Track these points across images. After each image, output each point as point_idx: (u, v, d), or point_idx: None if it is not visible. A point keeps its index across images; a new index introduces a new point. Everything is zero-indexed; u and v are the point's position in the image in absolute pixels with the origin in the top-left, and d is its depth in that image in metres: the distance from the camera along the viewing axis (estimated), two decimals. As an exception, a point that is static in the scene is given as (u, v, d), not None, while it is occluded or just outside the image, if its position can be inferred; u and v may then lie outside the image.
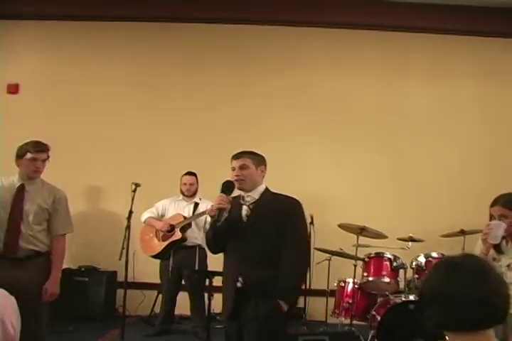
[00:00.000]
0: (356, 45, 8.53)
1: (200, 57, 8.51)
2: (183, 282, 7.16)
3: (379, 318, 6.15)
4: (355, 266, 6.73)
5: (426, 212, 8.06)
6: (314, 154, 8.34)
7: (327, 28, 8.47)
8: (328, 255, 7.11)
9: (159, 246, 7.02)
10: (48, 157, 4.79)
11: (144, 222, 7.17)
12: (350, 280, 6.79)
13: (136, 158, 8.26)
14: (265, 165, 4.32)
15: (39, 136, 4.95)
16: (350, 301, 6.66)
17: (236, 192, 4.29)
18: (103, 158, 8.27)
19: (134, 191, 6.77)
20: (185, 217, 7.02)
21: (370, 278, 6.67)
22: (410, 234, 6.77)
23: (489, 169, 8.21)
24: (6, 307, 2.49)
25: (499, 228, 3.88)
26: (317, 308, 7.69)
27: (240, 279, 4.04)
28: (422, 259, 6.50)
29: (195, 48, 8.52)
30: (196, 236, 6.98)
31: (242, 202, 4.23)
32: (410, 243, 6.79)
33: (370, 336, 6.21)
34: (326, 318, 7.30)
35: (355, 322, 6.62)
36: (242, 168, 4.18)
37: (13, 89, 8.53)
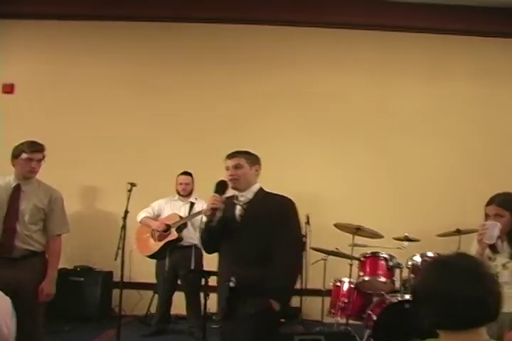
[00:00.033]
0: (355, 45, 8.54)
1: (199, 56, 8.51)
2: (179, 282, 7.17)
3: (375, 318, 6.15)
4: (351, 265, 6.75)
5: (421, 211, 8.07)
6: (311, 154, 8.34)
7: (326, 28, 8.47)
8: (324, 254, 7.11)
9: (155, 246, 7.02)
10: (44, 157, 4.78)
11: (140, 222, 7.17)
12: (346, 279, 6.80)
13: (131, 157, 8.25)
14: (259, 165, 4.32)
15: (34, 136, 4.95)
16: (346, 301, 6.66)
17: (231, 192, 4.29)
18: (99, 158, 8.26)
19: (130, 191, 6.78)
20: (181, 217, 7.02)
21: (366, 278, 6.67)
22: (406, 234, 6.77)
23: (485, 169, 8.23)
24: (1, 308, 2.48)
25: (494, 228, 3.89)
26: (313, 308, 7.70)
27: (232, 279, 4.03)
28: (417, 259, 6.49)
29: (194, 48, 8.52)
30: (192, 236, 6.98)
31: (236, 201, 4.23)
32: (406, 242, 6.79)
33: (365, 335, 6.21)
34: (322, 318, 7.32)
35: (351, 321, 6.61)
36: (236, 167, 4.18)
37: (8, 88, 8.52)
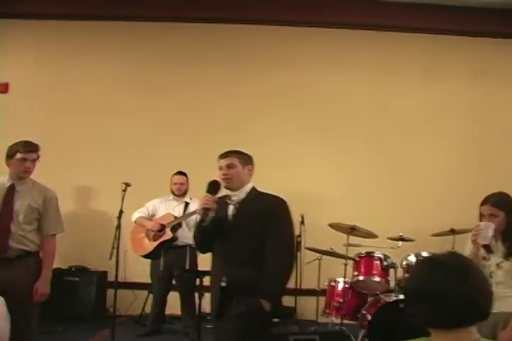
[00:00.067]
0: (355, 45, 8.55)
1: (199, 56, 8.52)
2: (173, 282, 7.16)
3: (369, 317, 6.15)
4: (345, 265, 6.76)
5: (416, 211, 8.08)
6: (308, 154, 8.35)
7: (326, 28, 8.49)
8: (318, 254, 7.11)
9: (150, 245, 7.01)
10: (38, 157, 4.77)
11: (135, 222, 7.16)
12: (341, 279, 6.80)
13: (126, 157, 8.25)
14: (252, 165, 4.31)
15: (30, 136, 4.93)
16: (340, 300, 6.67)
17: (225, 192, 4.29)
18: (93, 158, 8.25)
19: (125, 191, 6.78)
20: (175, 217, 7.02)
21: (361, 278, 6.68)
22: (400, 234, 6.78)
23: (480, 169, 8.24)
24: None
25: (489, 229, 3.90)
26: (308, 308, 7.69)
27: (223, 278, 4.05)
28: (412, 259, 6.48)
29: (194, 48, 8.53)
30: (187, 235, 6.97)
31: (228, 201, 4.23)
32: (400, 242, 6.80)
33: (360, 335, 6.21)
34: (317, 317, 7.31)
35: (345, 321, 6.62)
36: (229, 167, 4.17)
37: (3, 88, 8.50)
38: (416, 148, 8.40)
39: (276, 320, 7.35)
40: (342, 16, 8.37)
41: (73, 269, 7.91)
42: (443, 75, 8.56)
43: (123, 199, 6.72)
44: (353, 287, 6.72)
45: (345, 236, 6.89)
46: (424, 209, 8.09)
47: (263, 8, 8.38)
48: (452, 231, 6.76)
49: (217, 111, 8.41)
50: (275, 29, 8.50)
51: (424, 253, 6.48)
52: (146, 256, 7.10)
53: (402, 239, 6.79)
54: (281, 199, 4.24)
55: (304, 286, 7.46)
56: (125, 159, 8.23)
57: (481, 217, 4.05)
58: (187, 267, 6.88)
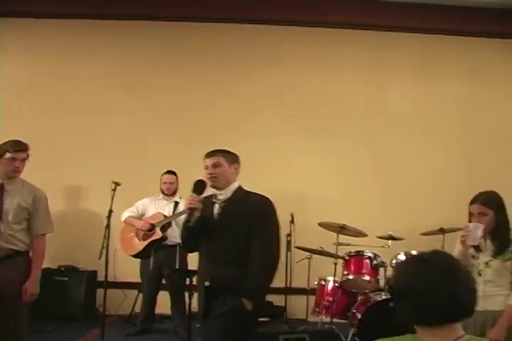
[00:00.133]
0: (352, 45, 8.58)
1: (187, 56, 8.53)
2: (163, 281, 7.16)
3: (359, 316, 6.18)
4: (335, 264, 6.76)
5: (406, 210, 8.10)
6: (297, 153, 8.37)
7: (317, 28, 8.51)
8: (308, 253, 7.12)
9: (139, 245, 7.00)
10: (28, 156, 4.75)
11: (124, 221, 7.15)
12: (331, 278, 6.81)
13: (116, 157, 8.24)
14: (238, 163, 4.31)
15: (18, 136, 4.92)
16: (330, 299, 6.68)
17: (211, 191, 4.29)
18: (83, 157, 8.23)
19: (114, 190, 6.77)
20: (165, 216, 7.02)
21: (351, 277, 6.70)
22: (390, 233, 6.81)
23: (470, 168, 8.28)
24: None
25: (477, 229, 3.91)
26: (298, 307, 7.71)
27: (207, 278, 4.06)
28: (401, 257, 6.50)
29: (183, 48, 8.54)
30: (176, 235, 6.94)
31: (214, 200, 4.22)
32: (390, 241, 6.83)
33: (350, 334, 6.23)
34: (307, 316, 7.33)
35: (335, 320, 6.63)
36: (215, 165, 4.17)
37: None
38: (406, 147, 8.43)
39: (266, 319, 7.42)
40: (340, 16, 8.40)
41: (63, 269, 7.90)
42: (439, 75, 8.60)
43: (113, 198, 6.71)
44: (342, 286, 6.73)
45: (335, 235, 6.90)
46: (413, 208, 8.12)
47: (262, 8, 8.40)
48: (441, 231, 6.80)
49: (207, 111, 8.41)
50: (265, 28, 8.51)
51: (414, 252, 6.49)
52: (135, 256, 7.09)
53: (391, 237, 6.81)
54: (267, 199, 4.24)
55: (294, 285, 7.48)
56: (115, 158, 8.22)
57: (471, 215, 4.07)
58: (177, 266, 6.87)
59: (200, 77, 8.49)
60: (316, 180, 8.25)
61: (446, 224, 6.72)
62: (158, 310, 7.32)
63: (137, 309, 7.52)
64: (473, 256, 4.02)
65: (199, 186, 4.19)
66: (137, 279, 7.29)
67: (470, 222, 4.06)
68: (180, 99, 8.50)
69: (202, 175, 4.26)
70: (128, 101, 8.42)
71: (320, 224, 6.99)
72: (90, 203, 8.28)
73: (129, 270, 7.45)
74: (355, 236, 6.99)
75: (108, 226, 6.64)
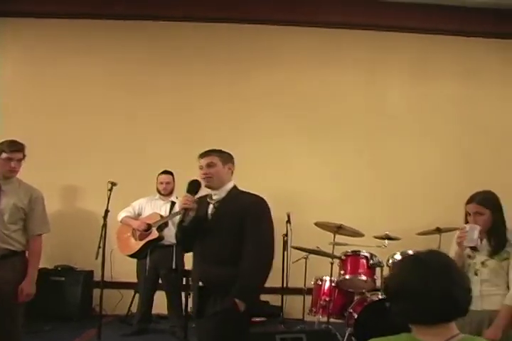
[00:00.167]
0: (349, 45, 8.58)
1: (187, 56, 8.53)
2: (160, 281, 7.15)
3: (356, 316, 6.19)
4: (332, 264, 6.77)
5: (402, 210, 8.11)
6: (294, 153, 8.37)
7: (315, 28, 8.51)
8: (305, 253, 7.13)
9: (136, 245, 7.00)
10: (24, 156, 4.75)
11: (121, 221, 7.14)
12: (327, 278, 6.81)
13: (112, 157, 8.23)
14: (233, 163, 4.30)
15: (17, 135, 4.91)
16: (327, 299, 6.68)
17: (206, 191, 4.29)
18: (82, 157, 8.22)
19: (111, 190, 6.76)
20: (162, 216, 7.01)
21: (347, 276, 6.70)
22: (387, 232, 6.82)
23: (466, 168, 8.29)
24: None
25: (474, 231, 3.91)
26: (294, 306, 7.72)
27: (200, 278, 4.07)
28: (398, 257, 6.49)
29: (183, 48, 8.54)
30: (173, 235, 6.78)
31: (209, 200, 4.22)
32: (387, 241, 6.83)
33: (347, 334, 6.24)
34: (303, 316, 7.34)
35: (332, 320, 6.63)
36: (209, 165, 4.17)
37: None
38: (403, 147, 8.44)
39: (262, 318, 7.42)
40: (340, 16, 8.40)
41: (59, 269, 7.89)
42: (438, 75, 8.59)
43: (109, 198, 6.71)
44: (339, 286, 6.74)
45: (331, 234, 6.91)
46: (410, 208, 8.12)
47: (262, 8, 8.40)
48: (438, 230, 6.82)
49: (207, 110, 8.41)
50: (264, 28, 8.51)
51: (410, 252, 6.50)
52: (132, 256, 7.08)
53: (388, 237, 6.82)
54: (261, 199, 4.23)
55: (291, 285, 7.48)
56: (114, 158, 8.21)
57: (467, 215, 4.07)
58: (173, 266, 6.85)
59: (200, 77, 8.48)
60: (314, 180, 8.25)
61: (443, 223, 6.73)
62: (154, 310, 7.30)
63: (134, 309, 7.51)
64: (469, 256, 4.02)
65: (193, 186, 4.19)
66: (134, 279, 7.28)
67: (466, 221, 4.07)
68: (180, 99, 8.49)
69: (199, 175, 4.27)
70: (128, 101, 8.41)
71: (316, 224, 6.99)
72: (87, 203, 8.27)
73: (126, 270, 7.45)
74: (351, 236, 7.00)
75: (104, 226, 6.63)
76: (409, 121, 8.50)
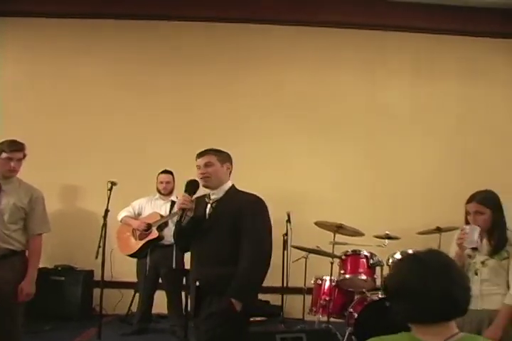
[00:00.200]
0: (344, 45, 8.57)
1: (187, 56, 8.52)
2: (160, 281, 7.15)
3: (356, 315, 6.19)
4: (332, 263, 6.76)
5: (402, 209, 8.11)
6: (294, 153, 8.37)
7: (316, 27, 8.52)
8: (305, 253, 7.12)
9: (136, 244, 7.00)
10: (24, 156, 4.75)
11: (121, 221, 7.15)
12: (327, 277, 6.81)
13: (112, 156, 8.23)
14: (230, 163, 4.29)
15: (17, 135, 4.91)
16: (327, 299, 6.68)
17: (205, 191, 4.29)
18: (82, 157, 8.22)
19: (111, 189, 6.77)
20: (161, 216, 7.01)
21: (347, 276, 6.70)
22: (387, 232, 6.81)
23: (466, 168, 8.28)
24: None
25: (474, 232, 3.90)
26: (294, 306, 7.72)
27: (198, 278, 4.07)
28: (398, 256, 6.49)
29: (183, 47, 8.54)
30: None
31: (207, 200, 4.22)
32: (387, 240, 6.83)
33: (347, 333, 6.23)
34: (303, 316, 7.33)
35: (332, 319, 6.63)
36: (206, 165, 4.15)
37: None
38: (403, 147, 8.44)
39: (262, 318, 7.42)
40: (338, 16, 8.39)
41: (59, 268, 7.89)
42: (438, 75, 8.59)
43: (109, 198, 6.71)
44: (339, 285, 6.73)
45: (331, 234, 6.91)
46: (410, 207, 8.12)
47: (262, 8, 8.41)
48: (438, 230, 6.82)
49: (207, 111, 8.42)
50: (273, 28, 8.51)
51: (411, 251, 6.50)
52: (132, 255, 7.08)
53: (388, 237, 6.82)
54: (258, 198, 4.20)
55: (291, 285, 7.48)
56: (114, 158, 8.21)
57: (467, 214, 4.07)
58: (173, 266, 6.86)
59: (200, 77, 8.48)
60: (313, 180, 8.25)
61: (443, 223, 6.74)
62: (154, 310, 7.30)
63: (134, 308, 7.51)
64: (469, 255, 4.02)
65: (191, 186, 4.19)
66: (134, 279, 7.28)
67: (466, 220, 4.07)
68: (180, 99, 8.49)
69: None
70: (128, 101, 8.41)
71: (316, 224, 7.00)
72: (87, 203, 8.27)
73: (126, 269, 7.45)
74: (351, 235, 7.00)
75: (104, 226, 6.64)
76: (410, 121, 8.49)
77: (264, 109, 8.41)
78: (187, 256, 6.33)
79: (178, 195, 7.10)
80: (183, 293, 6.68)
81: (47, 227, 4.90)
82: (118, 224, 7.16)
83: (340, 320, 6.66)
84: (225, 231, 4.05)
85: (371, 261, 6.69)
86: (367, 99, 8.56)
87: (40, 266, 5.02)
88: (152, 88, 8.47)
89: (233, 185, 4.26)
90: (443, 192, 8.06)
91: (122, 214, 7.14)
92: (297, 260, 7.25)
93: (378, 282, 6.65)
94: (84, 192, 8.33)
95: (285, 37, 8.53)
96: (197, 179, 4.21)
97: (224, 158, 4.25)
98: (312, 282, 6.99)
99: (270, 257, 4.13)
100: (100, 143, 8.33)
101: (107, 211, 6.67)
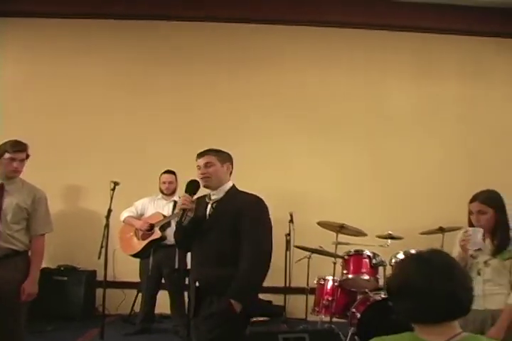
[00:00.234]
0: (345, 45, 8.57)
1: (187, 56, 8.52)
2: (163, 281, 7.15)
3: (359, 315, 6.18)
4: (334, 263, 6.75)
5: (405, 209, 8.10)
6: (297, 153, 8.36)
7: (317, 27, 8.51)
8: (307, 253, 7.11)
9: (139, 245, 7.00)
10: (27, 156, 4.75)
11: (123, 221, 7.15)
12: (330, 277, 6.81)
13: (115, 156, 8.23)
14: (231, 163, 4.27)
15: (18, 135, 4.92)
16: (330, 299, 6.68)
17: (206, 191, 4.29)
18: (83, 157, 8.22)
19: (113, 189, 6.76)
20: (164, 216, 7.01)
21: (350, 276, 6.70)
22: (389, 232, 6.81)
23: (469, 168, 8.27)
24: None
25: (478, 234, 3.90)
26: (297, 306, 7.70)
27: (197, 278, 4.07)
28: (401, 256, 6.49)
29: (183, 47, 8.53)
30: (176, 234, 6.95)
31: (208, 200, 4.21)
32: (389, 240, 6.83)
33: (349, 333, 6.23)
34: (306, 316, 7.32)
35: (335, 319, 6.62)
36: (207, 165, 4.14)
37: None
38: (405, 147, 8.43)
39: (265, 318, 7.41)
40: (340, 16, 8.38)
41: (62, 268, 7.89)
42: (439, 75, 8.59)
43: (112, 198, 6.70)
44: (342, 285, 6.73)
45: (334, 234, 6.89)
46: (412, 207, 8.11)
47: (262, 8, 8.40)
48: (441, 230, 6.81)
49: (207, 111, 8.41)
50: (265, 28, 8.50)
51: (413, 252, 6.50)
52: (135, 256, 7.08)
53: (391, 237, 6.81)
54: (258, 198, 4.19)
55: (293, 285, 7.47)
56: (114, 158, 8.21)
57: (470, 214, 4.07)
58: (176, 266, 6.86)
59: (200, 77, 8.48)
60: (315, 180, 8.25)
61: (446, 223, 6.72)
62: (157, 310, 7.31)
63: (137, 309, 7.51)
64: (472, 255, 4.02)
65: (192, 186, 4.19)
66: (136, 279, 7.29)
67: (469, 220, 4.07)
68: (180, 99, 8.49)
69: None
70: (128, 101, 8.41)
71: (319, 224, 6.98)
72: (89, 203, 8.27)
73: (129, 269, 7.45)
74: (354, 235, 6.99)
75: (107, 226, 6.64)
76: (411, 121, 8.49)
77: (264, 109, 8.41)
78: (190, 256, 6.37)
79: (181, 195, 7.13)
80: (185, 293, 6.68)
81: (49, 227, 4.90)
82: (120, 224, 7.16)
83: (342, 320, 6.65)
84: (225, 232, 4.04)
85: (374, 261, 6.69)
86: (367, 99, 8.55)
87: (43, 266, 5.04)
88: (152, 88, 8.47)
89: (234, 185, 4.25)
90: (446, 192, 8.05)
91: (125, 214, 7.14)
92: (300, 260, 7.25)
93: (381, 282, 6.66)
94: (86, 192, 8.34)
95: (285, 37, 8.52)
96: (197, 179, 4.20)
97: (224, 158, 4.24)
98: (315, 282, 6.99)
99: (270, 258, 4.11)
100: (100, 143, 8.33)
101: (109, 211, 6.67)
